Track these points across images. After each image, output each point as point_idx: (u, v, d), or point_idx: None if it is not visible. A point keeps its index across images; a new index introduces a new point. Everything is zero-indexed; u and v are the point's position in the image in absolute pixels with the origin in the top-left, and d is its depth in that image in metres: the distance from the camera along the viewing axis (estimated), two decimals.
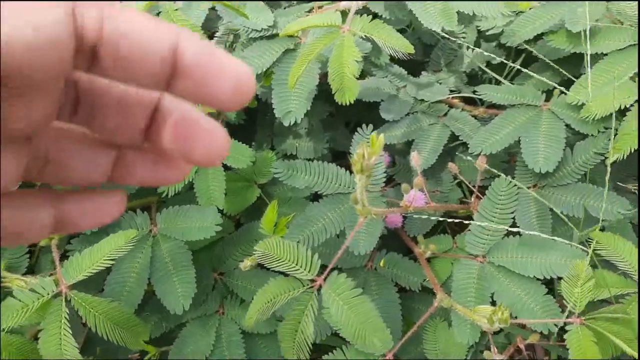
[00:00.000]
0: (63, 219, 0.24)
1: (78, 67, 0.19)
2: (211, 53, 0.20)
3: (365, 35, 0.66)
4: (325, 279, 0.60)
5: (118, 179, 0.25)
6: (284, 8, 0.94)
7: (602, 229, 0.77)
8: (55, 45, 0.18)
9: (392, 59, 0.88)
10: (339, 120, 1.01)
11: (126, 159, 0.24)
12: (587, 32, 0.71)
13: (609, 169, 0.67)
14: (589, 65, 0.71)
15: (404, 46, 0.64)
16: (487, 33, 0.96)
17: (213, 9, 0.77)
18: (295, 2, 0.97)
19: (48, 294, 0.62)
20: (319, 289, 0.60)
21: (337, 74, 0.64)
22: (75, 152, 0.24)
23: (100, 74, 0.20)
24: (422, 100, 0.88)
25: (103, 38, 0.19)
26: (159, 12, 0.65)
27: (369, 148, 0.51)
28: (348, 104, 0.66)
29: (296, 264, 0.59)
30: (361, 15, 0.71)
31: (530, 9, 0.79)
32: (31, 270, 0.76)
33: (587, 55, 0.73)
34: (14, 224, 0.22)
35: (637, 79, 0.72)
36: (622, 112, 0.72)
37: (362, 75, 0.89)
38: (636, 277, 0.68)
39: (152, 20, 0.19)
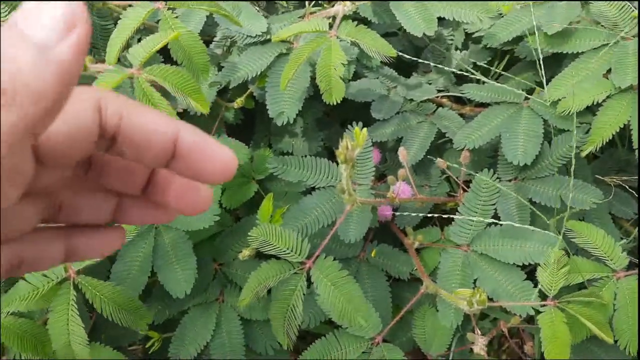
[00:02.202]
0: (72, 251, 0.29)
1: (99, 148, 0.25)
2: (204, 142, 0.26)
3: (351, 40, 0.71)
4: (314, 262, 0.65)
5: (118, 220, 0.30)
6: (281, 12, 0.99)
7: (582, 220, 0.81)
8: (85, 135, 0.24)
9: (385, 62, 0.93)
10: (334, 120, 1.06)
11: (125, 205, 0.30)
12: (537, 34, 0.76)
13: (573, 161, 0.71)
14: (542, 68, 0.75)
15: (387, 50, 0.69)
16: (473, 35, 1.01)
17: (211, 15, 0.82)
18: (292, 7, 1.03)
19: (57, 278, 0.67)
20: (308, 271, 0.65)
21: (324, 76, 0.68)
22: (85, 200, 0.29)
23: (114, 154, 0.26)
24: (412, 99, 0.93)
25: (121, 129, 0.24)
26: (159, 20, 0.70)
27: (352, 140, 0.56)
28: (335, 103, 0.71)
29: (287, 248, 0.64)
30: (352, 21, 0.76)
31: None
32: None
33: (539, 55, 0.77)
34: (31, 256, 0.27)
35: (610, 75, 0.76)
36: (596, 107, 0.76)
37: (355, 77, 0.94)
38: (609, 263, 0.72)
39: (159, 116, 0.25)
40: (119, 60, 0.66)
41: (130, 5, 0.69)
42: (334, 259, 0.65)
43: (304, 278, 0.64)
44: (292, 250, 0.64)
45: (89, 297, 0.68)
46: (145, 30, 0.85)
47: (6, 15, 0.71)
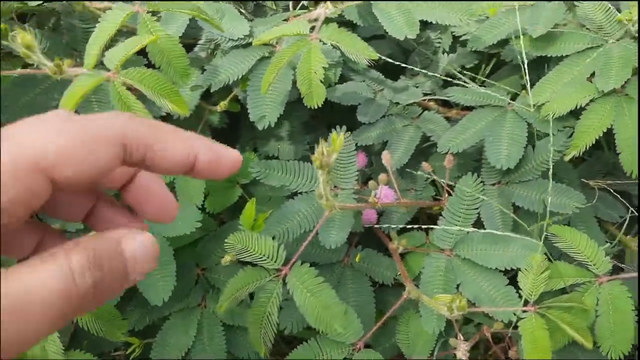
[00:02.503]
0: (42, 248, 0.31)
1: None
2: (217, 153, 0.30)
3: (332, 43, 0.70)
4: (290, 269, 0.64)
5: (88, 221, 0.33)
6: (270, 15, 0.99)
7: (567, 224, 0.81)
8: (106, 172, 0.27)
9: (372, 65, 0.93)
10: (320, 123, 1.05)
11: (100, 207, 0.33)
12: (521, 37, 0.75)
13: (551, 165, 0.71)
14: (527, 72, 0.75)
15: (367, 53, 0.68)
16: (461, 38, 1.00)
17: (194, 18, 0.81)
18: (280, 9, 1.02)
19: None
20: (284, 278, 0.64)
21: (305, 80, 0.68)
22: (65, 198, 0.32)
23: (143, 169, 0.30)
24: (398, 103, 0.92)
25: (146, 157, 0.28)
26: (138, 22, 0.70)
27: (328, 146, 0.55)
28: (317, 107, 0.70)
29: (263, 255, 0.64)
30: (338, 25, 0.75)
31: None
32: None
33: (523, 59, 0.77)
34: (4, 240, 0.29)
35: (594, 79, 0.76)
36: (579, 111, 0.76)
37: (342, 80, 0.93)
38: (592, 268, 0.72)
39: (180, 139, 0.29)
40: (102, 64, 0.66)
41: (109, 9, 0.68)
42: (311, 265, 0.65)
43: (280, 285, 0.63)
44: (268, 257, 0.64)
45: None
46: (128, 33, 0.84)
47: None
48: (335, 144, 0.56)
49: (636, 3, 0.74)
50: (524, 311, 0.67)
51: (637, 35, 0.73)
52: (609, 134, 0.75)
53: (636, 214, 0.84)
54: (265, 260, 0.64)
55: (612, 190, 0.83)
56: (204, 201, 0.85)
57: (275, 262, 0.64)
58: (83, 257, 0.25)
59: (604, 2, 0.80)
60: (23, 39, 0.56)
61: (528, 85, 0.77)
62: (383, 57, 0.84)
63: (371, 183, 0.74)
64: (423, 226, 0.79)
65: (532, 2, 0.81)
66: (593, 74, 0.76)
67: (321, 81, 0.69)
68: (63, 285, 0.24)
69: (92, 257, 0.26)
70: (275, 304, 0.62)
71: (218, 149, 0.31)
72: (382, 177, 0.72)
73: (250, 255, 0.64)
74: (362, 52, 0.68)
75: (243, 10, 0.96)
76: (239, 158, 0.31)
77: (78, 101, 0.54)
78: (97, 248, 0.26)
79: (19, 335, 0.23)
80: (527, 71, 0.90)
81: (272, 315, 0.62)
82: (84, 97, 0.55)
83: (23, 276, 0.24)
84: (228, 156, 0.31)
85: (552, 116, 0.75)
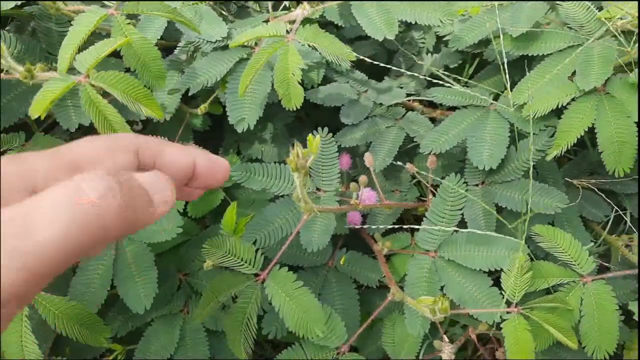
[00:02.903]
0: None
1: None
2: (213, 161, 0.37)
3: (309, 45, 0.70)
4: (268, 273, 0.63)
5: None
6: (254, 16, 0.98)
7: (552, 224, 0.80)
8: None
9: (356, 66, 0.92)
10: (306, 125, 1.05)
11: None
12: (502, 37, 0.75)
13: (531, 164, 0.70)
14: (506, 72, 0.74)
15: (345, 54, 0.68)
16: (444, 38, 1.00)
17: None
18: (264, 11, 1.01)
19: None
20: (262, 282, 0.63)
21: (282, 82, 0.67)
22: None
23: None
24: (381, 104, 0.91)
25: (155, 165, 0.34)
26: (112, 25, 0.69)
27: (303, 149, 0.55)
28: (295, 108, 0.70)
29: (241, 260, 0.63)
30: (320, 26, 0.74)
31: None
32: None
33: (503, 59, 0.76)
34: None
35: (574, 78, 0.75)
36: (561, 110, 0.75)
37: (326, 81, 0.92)
38: (576, 268, 0.71)
39: (182, 151, 0.36)
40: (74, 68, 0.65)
41: (82, 12, 0.67)
42: (295, 269, 0.64)
43: (258, 290, 0.62)
44: (246, 262, 0.63)
45: (42, 313, 0.66)
46: (107, 37, 0.83)
47: None
48: (312, 146, 0.55)
49: (636, 3, 0.73)
50: (508, 312, 0.66)
51: (617, 34, 0.73)
52: (592, 133, 0.74)
53: (620, 213, 0.83)
54: (242, 265, 0.63)
55: (596, 190, 0.83)
56: (186, 205, 0.84)
57: (253, 266, 0.63)
58: (91, 175, 0.27)
59: (585, 1, 0.80)
60: None
61: (508, 85, 0.76)
62: (365, 58, 0.83)
63: (352, 185, 0.73)
64: (407, 226, 0.78)
65: (512, 2, 0.80)
66: (574, 73, 0.76)
67: (300, 82, 0.68)
68: (68, 197, 0.25)
69: (102, 174, 0.27)
70: (254, 309, 0.61)
71: (213, 156, 0.37)
72: (362, 178, 0.71)
73: (228, 260, 0.63)
74: (339, 53, 0.68)
75: (225, 12, 0.95)
76: (228, 165, 0.38)
77: (48, 106, 0.53)
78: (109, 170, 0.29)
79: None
80: (507, 71, 0.89)
81: (251, 320, 0.61)
82: (54, 102, 0.54)
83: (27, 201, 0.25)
84: (221, 162, 0.37)
85: (534, 116, 0.74)
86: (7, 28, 0.92)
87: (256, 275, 0.64)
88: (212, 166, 0.36)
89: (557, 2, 0.82)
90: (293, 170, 0.54)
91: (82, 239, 0.25)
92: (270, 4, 0.84)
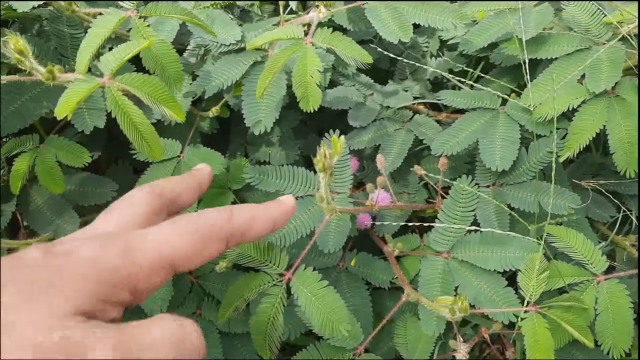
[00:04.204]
0: None
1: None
2: (251, 216, 0.42)
3: (327, 47, 0.70)
4: (293, 273, 0.64)
5: None
6: (256, 21, 0.98)
7: (560, 224, 0.82)
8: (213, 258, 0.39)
9: (361, 69, 0.93)
10: (311, 128, 1.05)
11: None
12: (516, 40, 0.76)
13: (554, 166, 0.71)
14: (527, 72, 0.76)
15: (362, 56, 0.68)
16: (448, 43, 1.01)
17: (184, 24, 0.80)
18: (266, 15, 1.02)
19: None
20: (287, 283, 0.63)
21: (300, 84, 0.67)
22: None
23: None
24: (388, 107, 0.92)
25: (243, 240, 0.42)
26: (130, 29, 0.68)
27: (330, 148, 0.55)
28: (312, 111, 0.70)
29: (265, 259, 0.63)
30: (328, 28, 0.75)
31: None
32: None
33: (522, 59, 0.78)
34: None
35: (584, 81, 0.77)
36: (571, 113, 0.77)
37: (331, 85, 0.93)
38: (590, 267, 0.72)
39: (264, 218, 0.43)
40: (89, 70, 0.65)
41: (100, 14, 0.67)
42: (314, 269, 0.64)
43: (284, 290, 0.62)
44: (270, 262, 0.63)
45: None
46: (116, 39, 0.83)
47: None
48: (337, 147, 0.55)
49: (636, 3, 0.75)
50: (526, 311, 0.67)
51: (628, 36, 0.74)
52: (596, 135, 0.76)
53: (627, 213, 0.85)
54: (267, 265, 0.63)
55: (604, 191, 0.84)
56: (196, 208, 0.83)
57: (277, 266, 0.63)
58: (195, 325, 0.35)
59: (589, 5, 0.81)
60: (16, 44, 0.55)
61: (529, 84, 0.77)
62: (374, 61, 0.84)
63: (369, 186, 0.74)
64: (421, 224, 0.79)
65: (521, 4, 0.82)
66: (583, 76, 0.77)
67: (317, 85, 0.68)
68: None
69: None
70: (280, 309, 0.61)
71: (253, 209, 0.43)
72: (379, 180, 0.72)
73: (252, 260, 0.63)
74: (357, 56, 0.68)
75: (231, 16, 0.96)
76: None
77: (74, 107, 0.53)
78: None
79: None
80: (514, 74, 0.91)
81: (277, 321, 0.61)
82: (80, 102, 0.54)
83: None
84: (259, 217, 0.44)
85: (545, 118, 0.75)
86: (9, 30, 0.91)
87: (280, 275, 0.64)
88: (250, 221, 0.43)
89: (562, 5, 0.84)
90: (320, 170, 0.54)
91: None
92: (281, 7, 0.84)
